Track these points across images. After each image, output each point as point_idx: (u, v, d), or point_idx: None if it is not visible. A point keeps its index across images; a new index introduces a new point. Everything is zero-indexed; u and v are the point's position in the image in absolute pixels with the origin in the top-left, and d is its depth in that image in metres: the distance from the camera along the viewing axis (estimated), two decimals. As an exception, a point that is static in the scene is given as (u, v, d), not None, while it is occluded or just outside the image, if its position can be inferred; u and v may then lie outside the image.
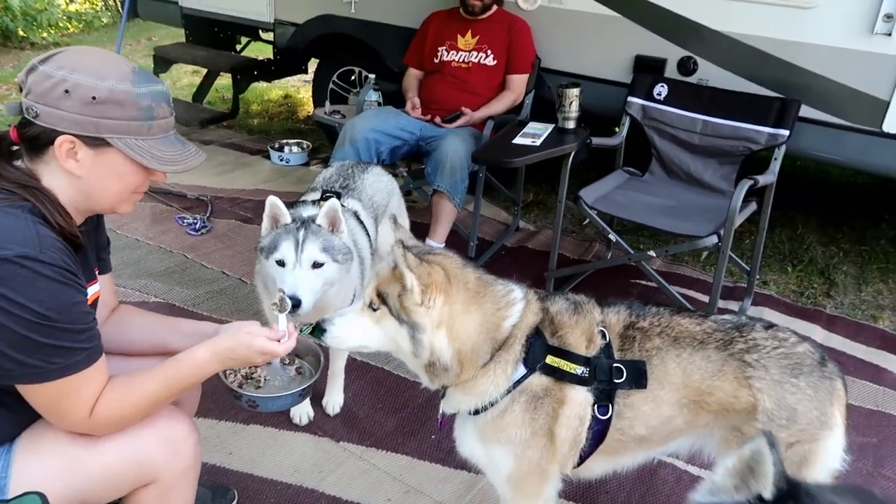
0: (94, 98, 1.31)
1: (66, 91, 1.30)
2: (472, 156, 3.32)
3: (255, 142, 5.45)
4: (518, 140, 3.25)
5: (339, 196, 2.48)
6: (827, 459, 1.68)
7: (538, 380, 1.67)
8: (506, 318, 1.66)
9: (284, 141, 5.25)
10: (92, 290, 1.52)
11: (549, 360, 1.67)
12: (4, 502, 1.38)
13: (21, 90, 1.35)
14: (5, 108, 1.39)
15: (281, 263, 2.05)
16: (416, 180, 3.99)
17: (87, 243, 1.46)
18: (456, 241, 3.67)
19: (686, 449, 1.80)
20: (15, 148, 1.41)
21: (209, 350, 1.49)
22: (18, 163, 1.39)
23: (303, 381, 1.79)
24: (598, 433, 1.71)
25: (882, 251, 4.05)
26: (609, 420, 1.69)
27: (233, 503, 2.17)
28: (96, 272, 1.60)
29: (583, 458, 1.75)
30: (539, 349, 1.67)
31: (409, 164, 4.29)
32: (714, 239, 2.87)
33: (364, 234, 2.49)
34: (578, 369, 1.67)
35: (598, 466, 1.81)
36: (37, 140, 1.34)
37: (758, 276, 3.55)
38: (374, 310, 1.62)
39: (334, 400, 2.62)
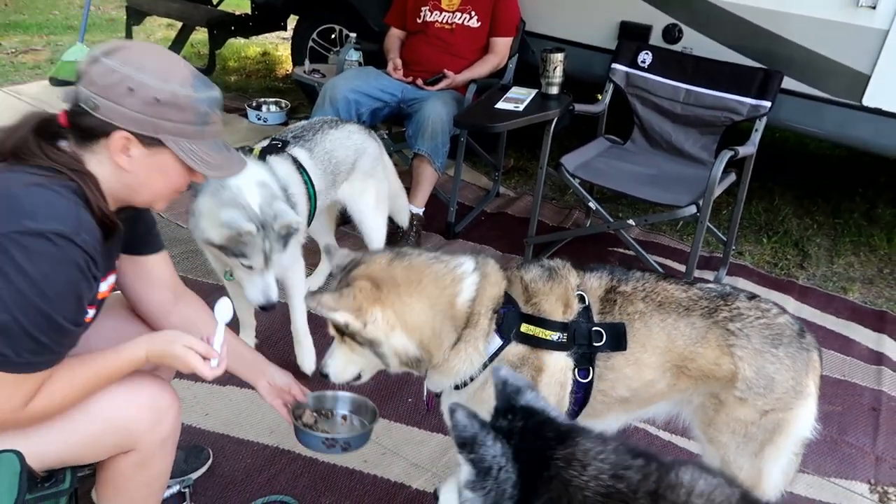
0: (157, 99, 1.33)
1: (131, 89, 1.31)
2: (454, 120, 3.29)
3: (231, 99, 5.33)
4: (501, 105, 3.22)
5: (284, 145, 2.47)
6: (799, 428, 1.72)
7: (515, 349, 1.67)
8: (457, 295, 1.64)
9: (262, 99, 5.14)
10: (107, 283, 1.50)
11: (524, 328, 1.67)
12: None
13: (78, 78, 1.35)
14: (63, 94, 1.38)
15: (248, 267, 2.13)
16: (396, 143, 3.95)
17: (117, 233, 1.45)
18: (436, 206, 3.65)
19: (664, 414, 1.83)
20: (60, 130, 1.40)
21: (145, 350, 1.45)
22: (62, 144, 1.39)
23: (357, 425, 1.89)
24: (581, 396, 1.73)
25: (855, 224, 4.11)
26: (591, 383, 1.71)
27: (207, 462, 2.17)
28: (116, 262, 1.57)
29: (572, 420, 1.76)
30: (512, 318, 1.67)
31: (390, 126, 4.24)
32: (693, 209, 2.89)
33: (300, 181, 2.44)
34: (554, 335, 1.68)
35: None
36: (91, 130, 1.35)
37: (734, 247, 3.59)
38: (343, 342, 1.66)
39: (308, 361, 2.61)
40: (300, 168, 2.46)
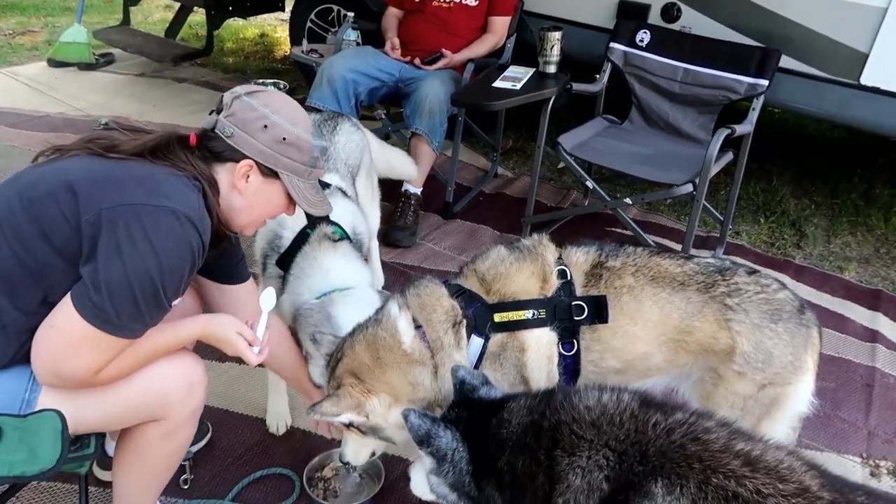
0: (284, 139, 1.53)
1: (265, 126, 1.52)
2: (452, 98, 3.28)
3: (230, 81, 5.32)
4: (498, 83, 3.22)
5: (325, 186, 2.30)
6: (796, 402, 1.75)
7: (494, 339, 1.70)
8: (401, 343, 1.68)
9: (260, 80, 5.11)
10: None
11: (497, 317, 1.70)
12: (21, 417, 1.39)
13: (219, 111, 1.55)
14: (204, 122, 1.58)
15: None
16: (394, 123, 3.95)
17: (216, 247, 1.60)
18: (434, 186, 3.66)
19: (662, 387, 1.85)
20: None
21: (202, 329, 1.58)
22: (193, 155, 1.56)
23: (368, 485, 2.13)
24: (570, 368, 1.75)
25: (853, 204, 4.12)
26: (577, 355, 1.73)
27: (206, 436, 2.20)
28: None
29: None
30: (482, 314, 1.70)
31: (388, 107, 4.23)
32: (689, 187, 2.90)
33: (358, 211, 2.39)
34: (528, 314, 1.70)
35: None
36: (219, 154, 1.54)
37: (730, 227, 3.60)
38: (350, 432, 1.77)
39: (284, 416, 2.42)
40: (344, 194, 2.37)
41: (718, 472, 1.14)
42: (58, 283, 1.36)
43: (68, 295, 1.34)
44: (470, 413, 1.42)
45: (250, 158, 1.53)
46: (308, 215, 2.15)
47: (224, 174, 1.55)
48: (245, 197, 1.57)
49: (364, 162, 2.69)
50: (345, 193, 2.37)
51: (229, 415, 2.33)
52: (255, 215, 1.64)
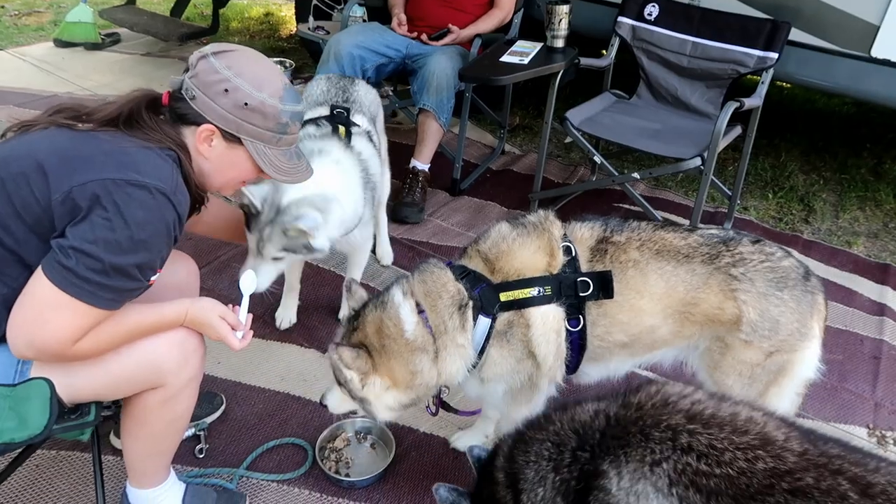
0: (246, 104, 1.49)
1: (226, 90, 1.48)
2: (459, 73, 3.27)
3: (236, 60, 5.30)
4: (506, 58, 3.20)
5: (348, 112, 2.44)
6: (803, 369, 1.76)
7: (501, 318, 1.71)
8: (404, 332, 1.69)
9: (266, 59, 5.10)
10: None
11: (503, 296, 1.71)
12: (11, 386, 1.42)
13: (187, 69, 1.52)
14: (170, 82, 1.55)
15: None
16: (401, 100, 3.94)
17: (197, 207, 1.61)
18: (441, 163, 3.66)
19: (670, 359, 1.86)
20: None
21: (186, 312, 1.57)
22: (163, 118, 1.55)
23: (379, 456, 2.17)
24: (577, 343, 1.77)
25: (861, 179, 4.10)
26: (583, 330, 1.74)
27: (220, 407, 2.23)
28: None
29: (576, 366, 1.81)
30: (487, 294, 1.71)
31: (395, 84, 4.22)
32: (697, 161, 2.89)
33: (376, 155, 2.44)
34: (534, 290, 1.70)
35: (592, 372, 1.88)
36: (184, 117, 1.52)
37: (738, 202, 3.60)
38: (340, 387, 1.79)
39: (288, 315, 2.66)
40: (371, 139, 2.44)
41: (660, 426, 1.17)
42: (38, 260, 1.36)
43: (40, 264, 1.35)
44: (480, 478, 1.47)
45: (211, 123, 1.50)
46: (332, 122, 2.32)
47: (190, 137, 1.53)
48: (210, 161, 1.55)
49: (379, 119, 2.76)
50: (370, 138, 2.44)
51: (242, 387, 2.36)
52: (225, 178, 1.62)
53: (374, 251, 2.98)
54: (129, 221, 1.34)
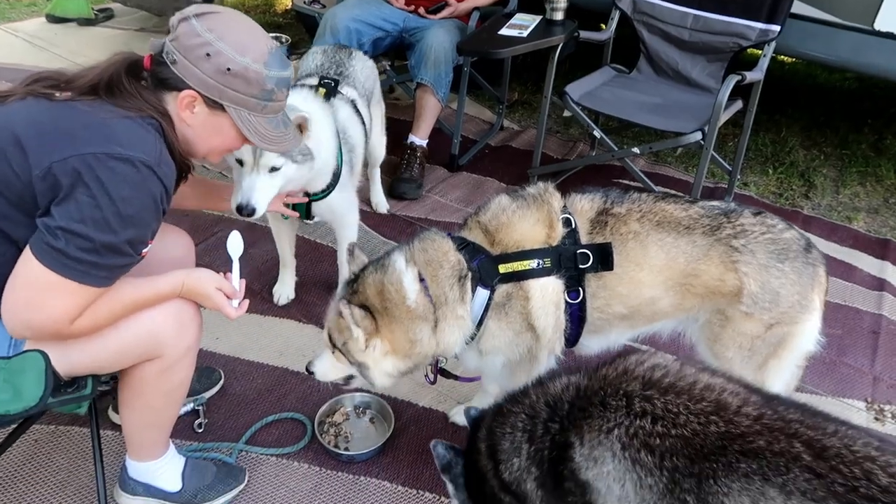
0: (228, 69, 1.43)
1: (208, 55, 1.41)
2: (457, 47, 3.23)
3: (231, 35, 5.24)
4: (504, 31, 3.16)
5: (336, 83, 2.46)
6: (803, 341, 1.76)
7: (500, 290, 1.71)
8: (405, 299, 1.67)
9: (262, 34, 5.04)
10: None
11: (502, 268, 1.70)
12: (5, 359, 1.41)
13: (170, 31, 1.45)
14: (150, 45, 1.49)
15: (240, 162, 2.01)
16: (399, 75, 3.90)
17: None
18: (439, 139, 3.63)
19: (669, 331, 1.86)
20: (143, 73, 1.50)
21: (182, 284, 1.55)
22: (144, 84, 1.49)
23: (378, 430, 2.16)
24: (577, 315, 1.76)
25: (862, 155, 4.08)
26: (583, 302, 1.73)
27: (219, 382, 2.23)
28: None
29: (576, 338, 1.80)
30: (487, 267, 1.70)
31: (393, 59, 4.17)
32: (698, 136, 2.87)
33: (359, 122, 2.49)
34: (533, 263, 1.69)
35: (592, 343, 1.88)
36: (165, 81, 1.46)
37: (738, 177, 3.58)
38: (334, 352, 1.76)
39: (286, 291, 2.66)
40: (356, 108, 2.48)
41: (617, 394, 1.24)
42: (25, 234, 1.34)
43: (28, 244, 1.32)
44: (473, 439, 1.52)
45: (193, 89, 1.44)
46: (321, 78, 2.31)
47: (172, 103, 1.47)
48: (193, 128, 1.50)
49: (376, 91, 2.81)
50: (354, 106, 2.47)
51: (241, 362, 2.35)
52: (209, 146, 1.57)
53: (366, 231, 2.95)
54: (114, 198, 1.30)
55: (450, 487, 1.54)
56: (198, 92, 1.44)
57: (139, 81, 1.46)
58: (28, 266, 1.31)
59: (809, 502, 1.05)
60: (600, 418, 1.23)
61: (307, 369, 1.84)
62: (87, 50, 4.83)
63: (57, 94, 1.41)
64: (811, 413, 1.18)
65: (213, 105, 1.47)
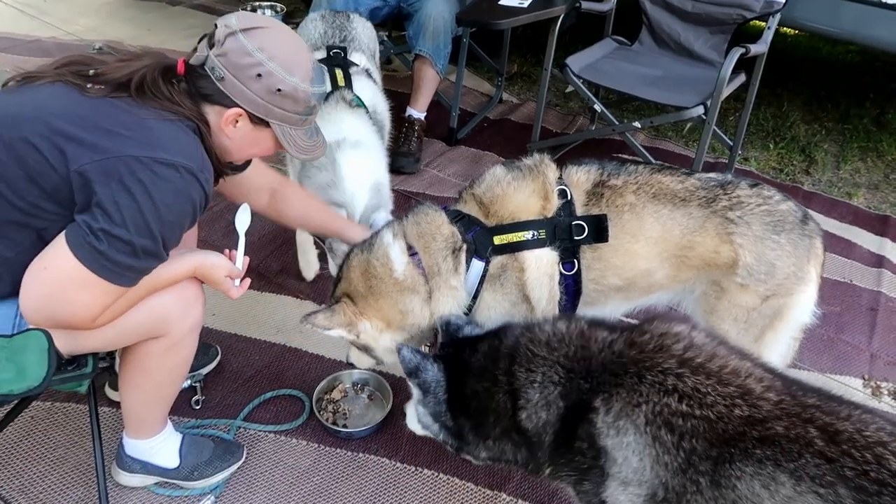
0: (279, 90, 1.44)
1: (259, 75, 1.42)
2: (457, 17, 3.17)
3: (225, 4, 5.16)
4: (505, 1, 3.10)
5: (344, 51, 2.42)
6: (799, 313, 1.75)
7: (494, 261, 1.70)
8: (393, 272, 1.68)
9: (257, 3, 4.91)
10: None
11: (496, 240, 1.69)
12: (7, 337, 1.39)
13: (211, 44, 1.44)
14: (195, 58, 1.46)
15: None
16: (396, 46, 3.83)
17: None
18: (438, 112, 3.58)
19: (665, 302, 1.85)
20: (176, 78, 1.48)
21: (194, 268, 1.56)
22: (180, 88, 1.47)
23: (376, 407, 2.16)
24: (572, 287, 1.75)
25: (864, 130, 4.04)
26: (578, 274, 1.72)
27: (216, 359, 2.22)
28: None
29: (572, 309, 1.79)
30: (482, 238, 1.69)
31: (390, 30, 4.10)
32: (700, 110, 2.83)
33: (380, 93, 2.47)
34: (527, 234, 1.68)
35: (588, 315, 1.86)
36: (209, 96, 1.46)
37: (739, 152, 3.54)
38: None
39: (312, 266, 2.63)
40: (370, 76, 2.45)
41: (654, 369, 1.25)
42: (52, 223, 1.34)
43: (61, 236, 1.31)
44: (454, 349, 1.52)
45: (240, 107, 1.45)
46: (332, 82, 2.29)
47: (213, 115, 1.47)
48: (232, 140, 1.52)
49: (377, 54, 2.76)
50: (369, 75, 2.43)
51: (238, 338, 2.34)
52: (245, 154, 1.62)
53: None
54: (157, 203, 1.31)
55: (416, 392, 1.51)
56: (245, 109, 1.46)
57: (175, 85, 1.45)
58: (64, 260, 1.30)
59: (818, 487, 1.06)
60: (632, 391, 1.24)
61: (347, 361, 1.96)
62: (79, 18, 4.74)
63: (88, 87, 1.39)
64: (827, 397, 1.19)
65: (258, 122, 1.49)
